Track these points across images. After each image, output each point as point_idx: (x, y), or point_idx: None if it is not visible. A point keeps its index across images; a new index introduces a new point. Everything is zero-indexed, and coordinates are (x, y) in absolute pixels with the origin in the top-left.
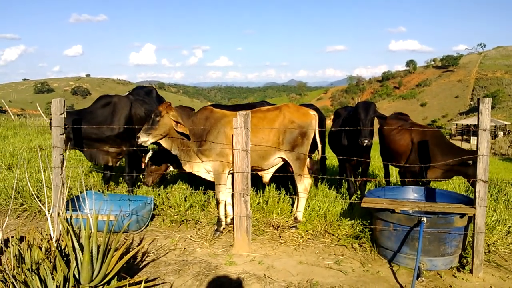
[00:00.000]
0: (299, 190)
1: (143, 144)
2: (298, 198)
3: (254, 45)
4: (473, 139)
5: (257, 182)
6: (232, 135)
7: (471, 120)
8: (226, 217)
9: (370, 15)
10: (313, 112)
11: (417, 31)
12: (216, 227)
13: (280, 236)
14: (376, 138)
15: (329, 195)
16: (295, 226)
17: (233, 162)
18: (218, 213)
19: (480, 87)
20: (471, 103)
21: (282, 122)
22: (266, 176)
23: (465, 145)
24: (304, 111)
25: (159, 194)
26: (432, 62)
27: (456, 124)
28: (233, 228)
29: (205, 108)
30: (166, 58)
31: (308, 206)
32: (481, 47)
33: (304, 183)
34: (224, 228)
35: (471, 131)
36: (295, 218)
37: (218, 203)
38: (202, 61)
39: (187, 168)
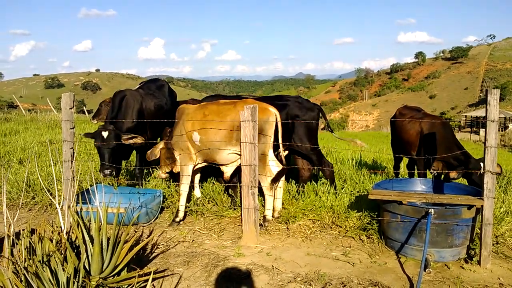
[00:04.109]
0: (262, 188)
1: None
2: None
3: (262, 38)
4: (483, 131)
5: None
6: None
7: (480, 112)
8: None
9: (378, 6)
10: (273, 109)
11: (426, 22)
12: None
13: (287, 228)
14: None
15: (336, 187)
16: (261, 225)
17: (241, 155)
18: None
19: (489, 79)
20: (481, 95)
21: (234, 117)
22: (226, 171)
23: (474, 137)
24: (262, 107)
25: (168, 187)
26: (441, 54)
27: (466, 116)
28: (241, 220)
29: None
30: (174, 53)
31: (318, 196)
32: (491, 38)
33: (266, 181)
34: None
35: (480, 123)
36: (264, 217)
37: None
38: (210, 55)
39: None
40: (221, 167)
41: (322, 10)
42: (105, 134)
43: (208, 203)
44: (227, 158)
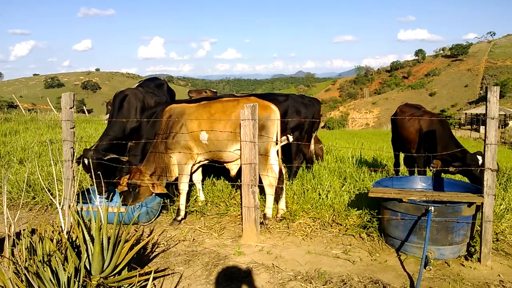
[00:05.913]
0: (264, 186)
1: None
2: (265, 195)
3: (262, 36)
4: (483, 129)
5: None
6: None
7: (480, 109)
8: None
9: (379, 4)
10: (274, 107)
11: (426, 20)
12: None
13: (288, 227)
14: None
15: (336, 184)
16: (262, 223)
17: (241, 153)
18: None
19: (489, 76)
20: (481, 92)
21: (238, 115)
22: (232, 168)
23: (474, 135)
24: (263, 105)
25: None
26: (441, 51)
27: (466, 113)
28: (242, 219)
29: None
30: (174, 51)
31: (317, 193)
32: (491, 35)
33: (268, 179)
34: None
35: (480, 121)
36: (264, 215)
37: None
38: (210, 53)
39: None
40: (226, 165)
41: (322, 8)
42: (86, 161)
43: (207, 204)
44: (233, 155)
